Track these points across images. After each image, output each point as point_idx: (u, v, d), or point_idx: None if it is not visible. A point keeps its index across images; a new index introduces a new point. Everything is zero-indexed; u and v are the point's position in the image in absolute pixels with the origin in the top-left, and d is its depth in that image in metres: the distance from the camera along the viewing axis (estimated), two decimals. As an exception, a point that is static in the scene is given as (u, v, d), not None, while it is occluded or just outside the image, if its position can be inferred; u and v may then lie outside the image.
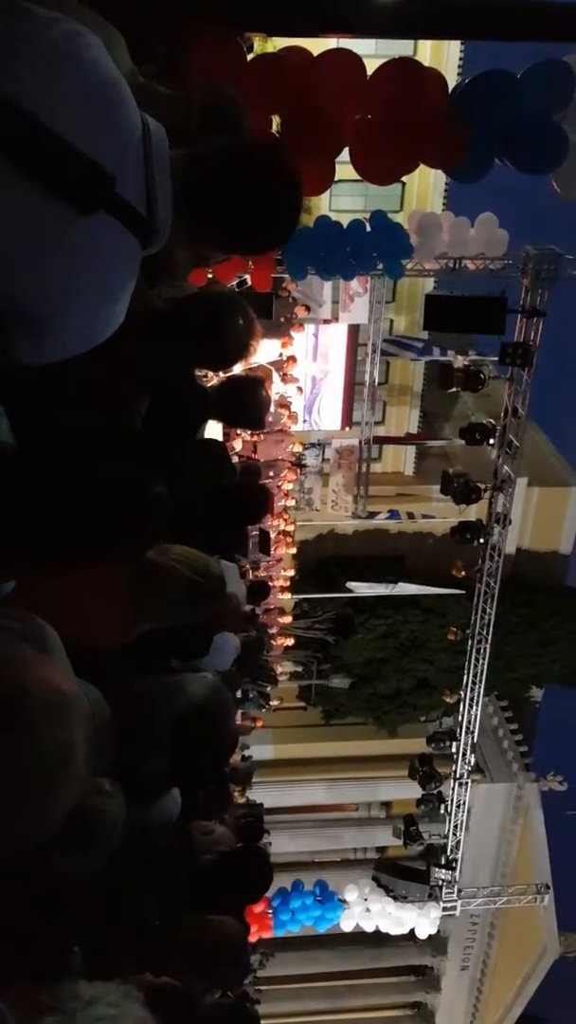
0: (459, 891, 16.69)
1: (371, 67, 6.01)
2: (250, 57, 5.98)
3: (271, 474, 14.50)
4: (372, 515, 21.34)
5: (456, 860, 16.50)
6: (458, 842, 16.42)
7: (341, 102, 5.88)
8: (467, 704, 15.67)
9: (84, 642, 1.81)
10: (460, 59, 18.33)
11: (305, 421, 19.77)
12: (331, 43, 8.18)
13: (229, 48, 5.38)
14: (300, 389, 17.36)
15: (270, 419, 13.99)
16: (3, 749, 1.05)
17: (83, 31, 1.43)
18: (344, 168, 6.74)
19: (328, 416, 20.66)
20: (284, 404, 15.12)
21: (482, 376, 14.55)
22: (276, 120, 6.16)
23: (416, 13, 4.46)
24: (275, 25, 4.31)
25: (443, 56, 17.67)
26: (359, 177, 6.43)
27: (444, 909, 16.60)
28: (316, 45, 5.94)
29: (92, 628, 2.07)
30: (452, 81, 6.34)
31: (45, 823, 1.12)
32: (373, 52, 5.85)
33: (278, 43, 6.17)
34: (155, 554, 2.34)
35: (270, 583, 14.87)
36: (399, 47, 13.86)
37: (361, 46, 5.87)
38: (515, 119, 5.90)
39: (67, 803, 1.13)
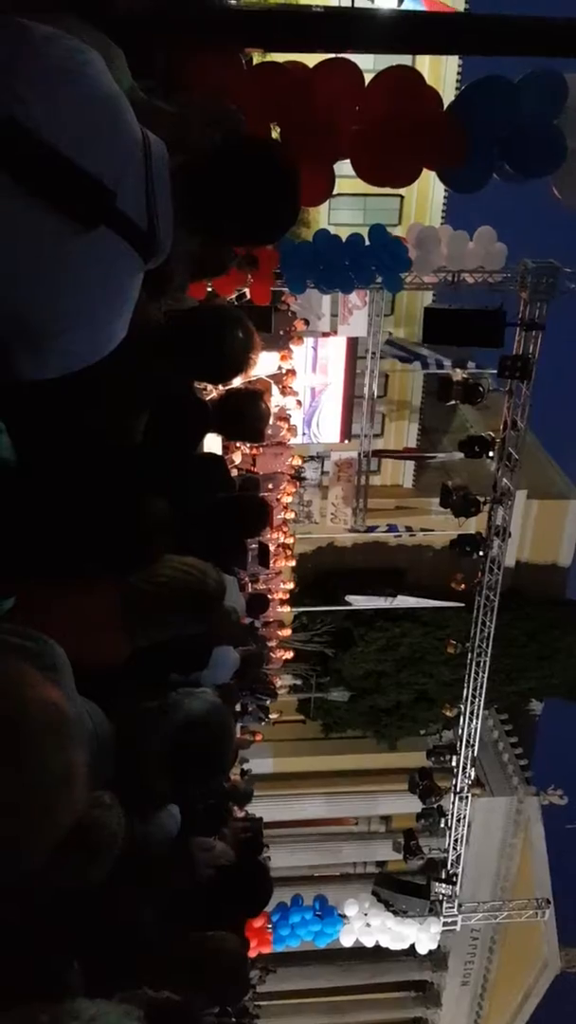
0: (459, 906, 16.61)
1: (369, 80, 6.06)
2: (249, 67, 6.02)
3: (270, 487, 14.52)
4: (371, 528, 21.34)
5: (456, 874, 16.41)
6: (458, 856, 16.34)
7: (340, 109, 5.93)
8: (467, 717, 15.63)
9: (83, 657, 1.81)
10: (458, 76, 18.47)
11: (304, 434, 19.80)
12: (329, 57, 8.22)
13: (228, 61, 5.42)
14: (299, 402, 17.41)
15: (269, 432, 14.01)
16: (4, 771, 1.05)
17: (83, 48, 1.44)
18: (344, 182, 6.76)
19: (327, 429, 20.69)
20: (283, 417, 15.15)
21: (481, 389, 14.58)
22: (275, 129, 6.19)
23: (414, 29, 4.48)
24: (273, 41, 4.33)
25: (441, 71, 17.80)
26: (358, 189, 6.45)
27: (444, 924, 16.51)
28: (314, 60, 5.99)
29: (91, 644, 2.06)
30: (451, 94, 6.39)
31: (45, 844, 1.12)
32: (371, 67, 5.88)
33: (277, 59, 6.21)
34: (152, 567, 2.33)
35: (269, 596, 14.86)
36: (398, 62, 13.97)
37: (360, 62, 5.91)
38: (513, 122, 5.96)
39: (67, 823, 1.13)
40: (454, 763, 15.98)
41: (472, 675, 15.32)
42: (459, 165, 6.19)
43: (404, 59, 5.76)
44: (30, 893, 1.62)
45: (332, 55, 5.67)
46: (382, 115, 5.91)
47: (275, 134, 5.98)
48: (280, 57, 5.65)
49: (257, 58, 7.30)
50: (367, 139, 6.03)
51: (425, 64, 17.17)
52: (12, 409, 1.89)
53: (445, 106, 6.16)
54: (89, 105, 1.42)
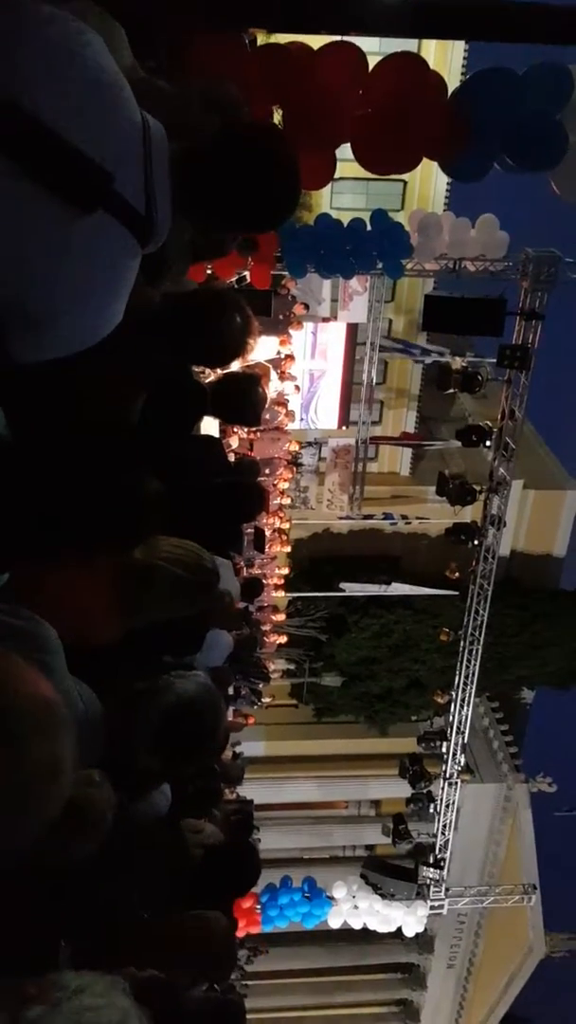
0: (447, 890, 16.74)
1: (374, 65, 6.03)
2: (252, 49, 5.98)
3: (267, 472, 14.50)
4: (367, 515, 21.35)
5: (444, 859, 16.53)
6: (447, 841, 16.45)
7: (343, 94, 5.90)
8: (458, 704, 15.69)
9: (76, 637, 1.82)
10: (464, 60, 18.34)
11: (302, 419, 19.77)
12: (333, 38, 8.17)
13: (231, 42, 5.39)
14: (297, 387, 17.36)
15: (267, 417, 13.99)
16: None
17: (83, 28, 1.43)
18: (346, 165, 6.73)
19: (325, 415, 20.66)
20: (281, 402, 15.12)
21: (480, 378, 14.56)
22: (277, 112, 6.16)
23: (420, 12, 4.46)
24: (277, 22, 4.31)
25: (447, 57, 17.67)
26: (361, 175, 6.43)
27: (431, 908, 16.65)
28: (318, 41, 5.95)
29: (83, 623, 2.08)
30: (456, 80, 6.35)
31: (31, 833, 1.12)
32: (377, 50, 5.85)
33: (280, 39, 6.17)
34: (146, 548, 2.34)
35: (264, 581, 14.87)
36: (403, 46, 13.87)
37: (365, 45, 5.87)
38: (516, 116, 5.93)
39: (54, 813, 1.13)
40: (444, 749, 16.05)
41: (464, 663, 15.38)
42: (459, 156, 6.17)
43: (410, 43, 5.73)
44: (18, 871, 1.63)
45: (336, 38, 5.64)
46: (384, 102, 5.88)
47: (277, 117, 5.95)
48: (283, 38, 5.62)
49: (261, 39, 7.25)
50: (368, 126, 6.01)
51: (431, 48, 17.09)
52: (9, 388, 1.89)
53: (449, 92, 6.13)
54: (89, 88, 1.41)
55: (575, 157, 6.14)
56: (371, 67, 5.91)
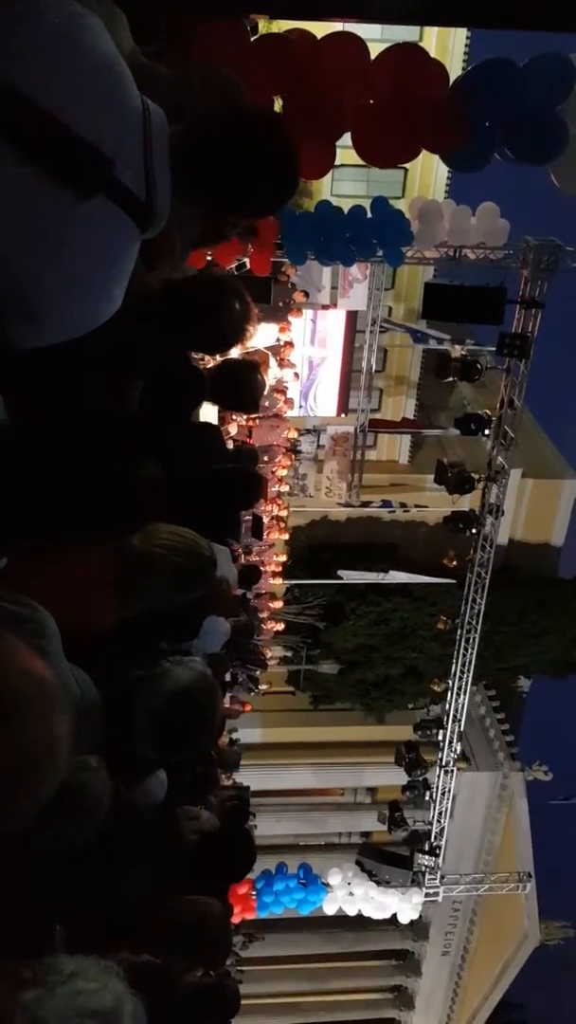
0: (442, 877, 16.83)
1: (375, 52, 5.98)
2: (254, 38, 5.94)
3: (265, 459, 14.49)
4: (365, 503, 21.34)
5: (440, 847, 16.62)
6: (442, 829, 16.54)
7: (343, 85, 5.86)
8: (455, 693, 15.74)
9: (73, 623, 1.82)
10: (466, 47, 18.21)
11: (301, 407, 19.74)
12: (336, 26, 8.11)
13: (232, 28, 5.34)
14: (297, 375, 17.33)
15: (266, 404, 13.97)
16: None
17: (83, 12, 1.42)
18: (347, 152, 6.70)
19: (324, 402, 20.63)
20: (280, 389, 15.10)
21: (479, 366, 14.54)
22: (278, 102, 6.13)
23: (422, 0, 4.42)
24: (279, 7, 4.28)
25: (449, 44, 17.54)
26: (361, 162, 6.39)
27: (426, 895, 16.74)
28: (320, 28, 5.90)
29: (80, 609, 2.08)
30: (458, 70, 6.31)
31: (27, 814, 1.13)
32: (379, 37, 5.81)
33: (283, 25, 6.12)
34: (144, 535, 2.34)
35: (261, 568, 14.88)
36: (404, 32, 13.79)
37: (366, 31, 5.84)
38: (517, 109, 5.88)
39: (49, 793, 1.14)
40: (441, 737, 16.12)
41: (461, 651, 15.42)
42: (458, 149, 6.14)
43: (412, 29, 5.70)
44: (14, 855, 1.64)
45: (338, 28, 5.60)
46: (385, 97, 5.84)
47: (277, 107, 5.92)
48: (284, 25, 5.58)
49: (263, 25, 7.20)
50: (369, 119, 5.97)
51: (433, 35, 16.99)
52: (8, 374, 1.88)
53: (451, 81, 6.09)
54: (88, 72, 1.40)
55: (573, 150, 6.11)
56: (373, 56, 5.86)
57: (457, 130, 5.93)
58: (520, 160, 6.19)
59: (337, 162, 6.55)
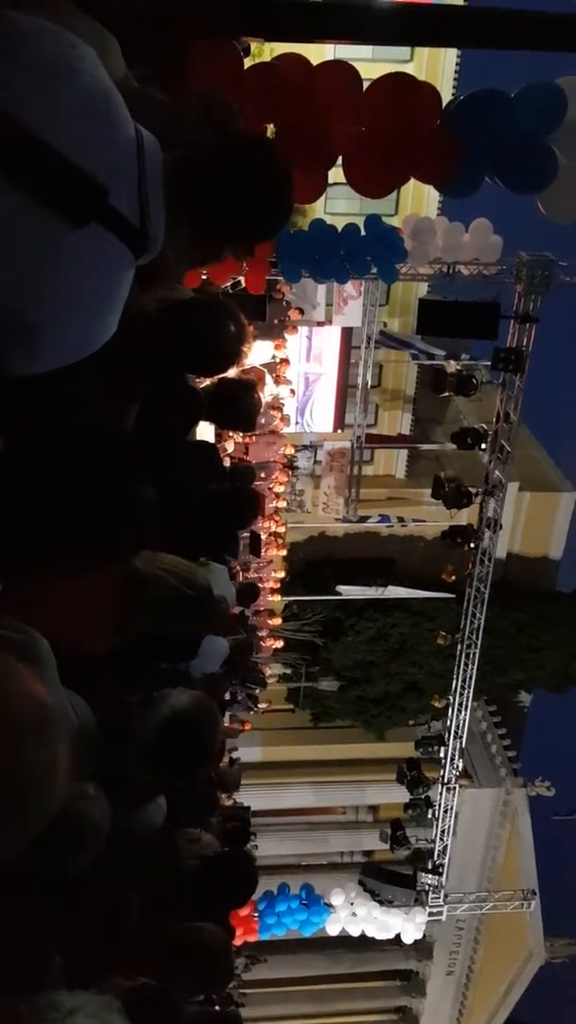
0: (445, 896, 16.70)
1: (367, 71, 6.01)
2: (247, 62, 5.97)
3: (263, 476, 14.50)
4: (363, 518, 21.35)
5: (443, 865, 16.51)
6: (445, 847, 16.43)
7: (335, 114, 5.88)
8: (456, 708, 15.69)
9: (68, 648, 1.80)
10: (456, 68, 18.39)
11: (297, 423, 19.79)
12: (328, 48, 8.18)
13: (225, 53, 5.37)
14: (293, 391, 17.38)
15: (262, 421, 13.99)
16: None
17: (74, 41, 1.43)
18: (340, 172, 6.73)
19: (320, 418, 20.68)
20: (276, 406, 15.13)
21: (475, 381, 14.60)
22: (270, 130, 6.17)
23: (415, 20, 4.45)
24: (273, 29, 4.30)
25: (439, 65, 17.72)
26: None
27: (430, 914, 16.61)
28: (313, 50, 5.94)
29: (76, 634, 2.06)
30: (449, 89, 6.36)
31: (24, 839, 1.12)
32: (370, 57, 5.84)
33: (276, 48, 6.16)
34: (143, 563, 2.33)
35: (260, 585, 14.87)
36: (396, 53, 13.90)
37: (358, 51, 5.87)
38: (507, 138, 5.90)
39: (47, 819, 1.13)
40: (442, 754, 16.05)
41: (461, 666, 15.38)
42: (449, 181, 6.16)
43: (403, 50, 5.74)
44: (12, 884, 1.62)
45: (331, 48, 5.64)
46: (376, 127, 5.86)
47: (270, 134, 5.95)
48: (279, 47, 5.61)
49: (256, 47, 7.26)
50: (360, 152, 5.99)
51: (424, 56, 17.15)
52: (3, 397, 1.88)
53: (443, 104, 6.10)
54: (82, 100, 1.41)
55: (561, 179, 6.13)
56: (365, 83, 5.88)
57: (448, 161, 5.95)
58: (509, 189, 6.21)
59: (330, 181, 6.59)
